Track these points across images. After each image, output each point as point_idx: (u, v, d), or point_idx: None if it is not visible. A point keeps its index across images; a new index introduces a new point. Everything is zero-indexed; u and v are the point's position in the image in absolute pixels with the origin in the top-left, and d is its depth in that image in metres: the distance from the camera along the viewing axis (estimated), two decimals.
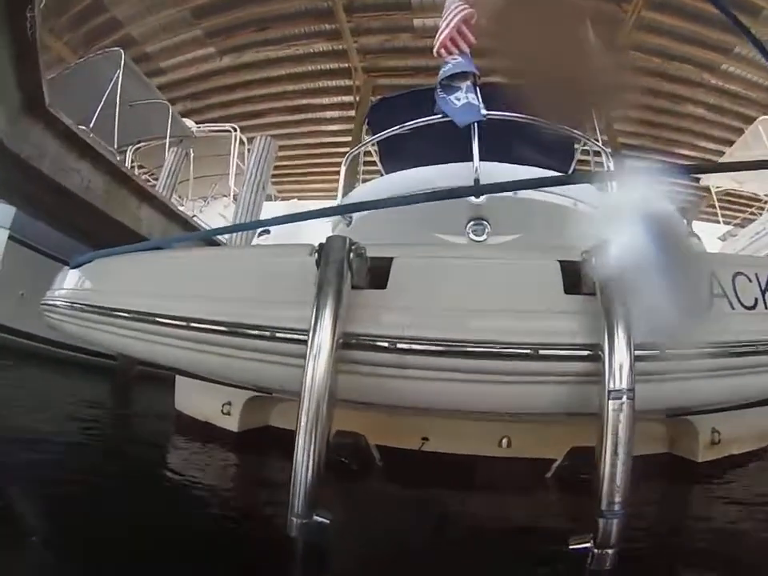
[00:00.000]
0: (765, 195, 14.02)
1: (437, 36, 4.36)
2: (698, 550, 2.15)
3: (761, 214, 13.64)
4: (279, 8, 14.14)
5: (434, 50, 4.39)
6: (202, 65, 15.44)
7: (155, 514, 2.16)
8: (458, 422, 2.80)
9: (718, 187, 14.66)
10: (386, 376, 2.06)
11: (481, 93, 4.17)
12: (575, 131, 4.89)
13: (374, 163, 6.18)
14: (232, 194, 12.04)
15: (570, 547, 1.73)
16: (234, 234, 8.92)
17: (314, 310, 1.81)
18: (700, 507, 2.81)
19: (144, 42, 14.38)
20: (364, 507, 2.52)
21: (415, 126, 4.38)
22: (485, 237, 3.87)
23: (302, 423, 1.72)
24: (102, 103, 9.10)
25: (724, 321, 2.10)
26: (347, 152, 5.72)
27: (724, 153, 14.15)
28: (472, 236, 3.88)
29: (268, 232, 4.79)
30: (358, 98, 15.26)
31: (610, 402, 1.69)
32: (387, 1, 14.07)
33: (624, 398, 1.68)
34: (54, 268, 3.26)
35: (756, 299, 2.21)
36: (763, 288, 2.23)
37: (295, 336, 2.00)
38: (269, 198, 11.94)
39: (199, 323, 2.26)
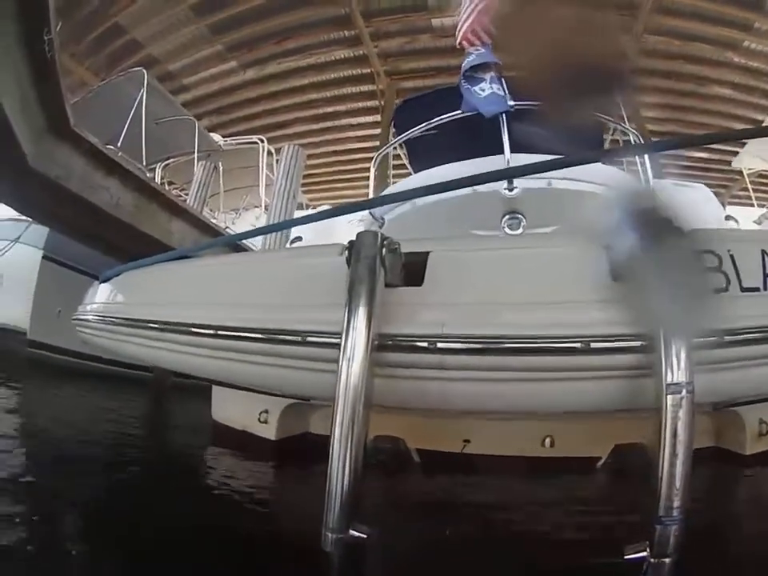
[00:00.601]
0: None
1: (458, 28, 4.39)
2: (754, 553, 2.01)
3: None
4: (297, 18, 14.29)
5: (457, 42, 4.41)
6: (226, 79, 15.67)
7: (191, 526, 2.16)
8: (499, 422, 2.69)
9: (750, 169, 14.27)
10: (425, 378, 1.97)
11: (506, 85, 4.12)
12: (604, 117, 4.69)
13: (403, 166, 6.20)
14: (263, 204, 12.02)
15: (626, 557, 1.61)
16: (266, 241, 9.01)
17: (346, 310, 1.73)
18: (753, 505, 2.69)
19: (166, 61, 14.68)
20: (402, 513, 2.44)
21: (440, 122, 4.32)
22: (520, 230, 3.82)
23: (337, 431, 1.67)
24: (128, 122, 9.17)
25: None
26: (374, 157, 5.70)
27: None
28: (507, 230, 3.83)
29: (300, 239, 4.78)
30: (382, 102, 15.40)
31: (669, 396, 1.58)
32: (404, 3, 14.14)
33: (684, 392, 1.57)
34: (89, 284, 3.31)
35: None
36: None
37: (328, 340, 1.91)
38: (300, 207, 11.78)
39: (230, 331, 2.22)
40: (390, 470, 2.71)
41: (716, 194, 15.51)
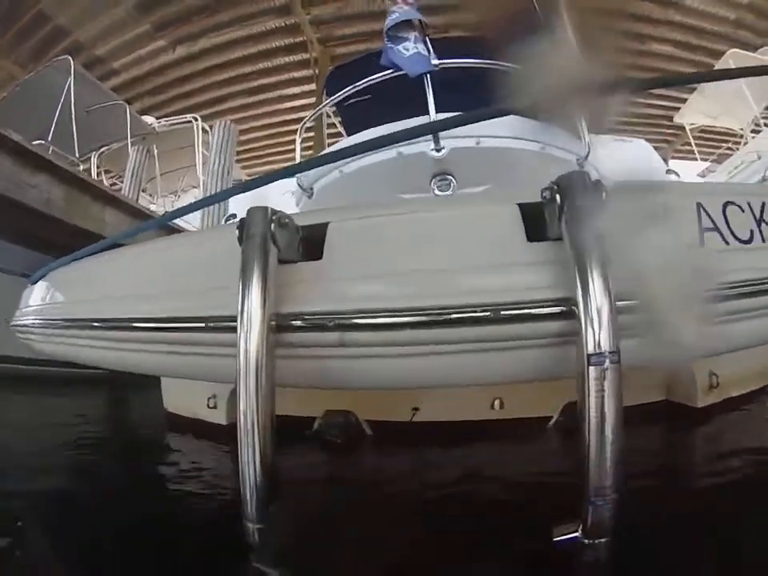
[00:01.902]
0: (740, 129, 14.23)
1: None
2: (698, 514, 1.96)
3: (737, 149, 13.89)
4: None
5: None
6: (156, 59, 15.48)
7: (142, 514, 2.24)
8: (446, 388, 2.56)
9: (692, 124, 14.88)
10: (330, 357, 1.89)
11: (432, 45, 4.05)
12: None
13: (339, 135, 6.31)
14: (201, 184, 11.88)
15: (555, 539, 1.57)
16: (204, 221, 9.21)
17: (240, 292, 1.70)
18: (705, 461, 2.67)
19: (93, 46, 14.45)
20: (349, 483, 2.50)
21: (371, 86, 4.28)
22: (450, 192, 3.77)
23: (242, 418, 1.66)
24: (57, 114, 9.17)
25: (717, 259, 1.90)
26: (311, 128, 5.78)
27: (695, 89, 14.31)
28: (437, 192, 3.78)
29: (235, 216, 4.78)
30: (316, 71, 15.36)
31: (591, 368, 1.48)
32: None
33: (607, 363, 1.47)
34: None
35: (752, 231, 2.00)
36: (758, 218, 2.03)
37: (228, 324, 1.81)
38: (238, 182, 11.86)
39: (140, 323, 2.20)
40: (341, 445, 2.77)
41: (658, 148, 16.07)
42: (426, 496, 2.32)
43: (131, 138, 11.21)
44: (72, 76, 9.69)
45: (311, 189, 4.29)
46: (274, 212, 1.87)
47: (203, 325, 1.98)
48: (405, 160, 3.66)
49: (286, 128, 18.53)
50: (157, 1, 14.08)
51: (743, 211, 2.01)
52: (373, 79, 4.12)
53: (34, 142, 6.18)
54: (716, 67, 12.98)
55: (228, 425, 3.08)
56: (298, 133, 5.06)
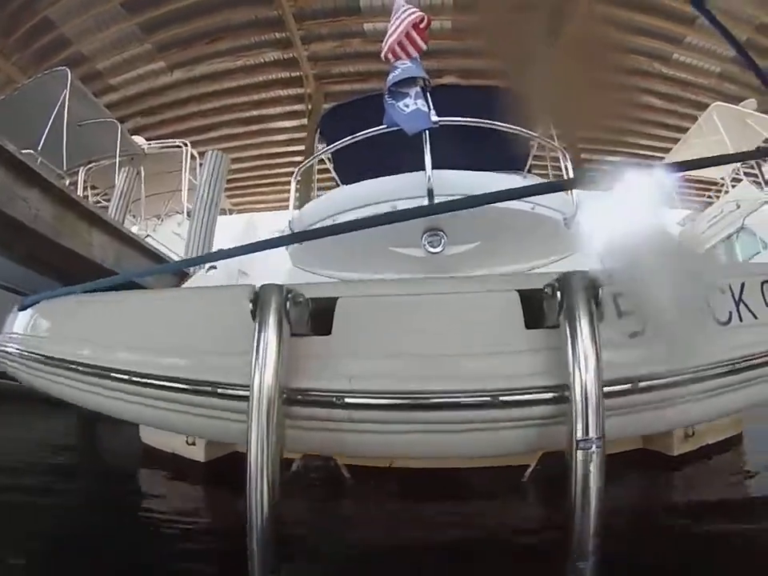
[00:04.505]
0: (721, 179, 14.57)
1: (385, 40, 4.40)
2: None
3: (718, 197, 14.23)
4: (229, 19, 14.54)
5: (382, 54, 4.40)
6: (154, 80, 15.81)
7: (120, 552, 2.15)
8: None
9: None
10: (336, 430, 1.97)
11: (431, 96, 4.12)
12: (530, 132, 4.82)
13: (328, 170, 6.32)
14: (185, 210, 12.11)
15: None
16: (188, 250, 9.38)
17: (254, 367, 1.74)
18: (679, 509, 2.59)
19: (94, 59, 14.75)
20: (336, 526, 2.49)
21: (367, 135, 4.38)
22: (441, 248, 3.87)
23: (251, 486, 1.69)
24: (49, 125, 9.30)
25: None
26: (301, 161, 5.85)
27: (679, 139, 14.77)
28: (428, 248, 3.88)
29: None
30: (310, 106, 15.72)
31: (579, 451, 1.60)
32: (337, 6, 14.51)
33: (593, 447, 1.59)
34: (7, 299, 3.36)
35: (730, 313, 2.14)
36: (737, 299, 2.17)
37: (239, 392, 1.91)
38: (223, 212, 11.99)
39: (139, 377, 2.20)
40: (321, 490, 2.71)
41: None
42: (400, 543, 2.30)
43: (120, 156, 11.32)
44: (68, 88, 9.81)
45: None
46: (289, 290, 1.90)
47: (209, 389, 2.04)
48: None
49: (274, 160, 19.03)
50: (162, 22, 14.42)
51: (723, 293, 2.16)
52: (369, 133, 4.22)
53: (23, 151, 6.29)
54: (699, 119, 13.56)
55: (206, 462, 3.06)
56: (294, 177, 5.26)
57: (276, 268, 4.62)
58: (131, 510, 2.70)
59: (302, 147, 15.50)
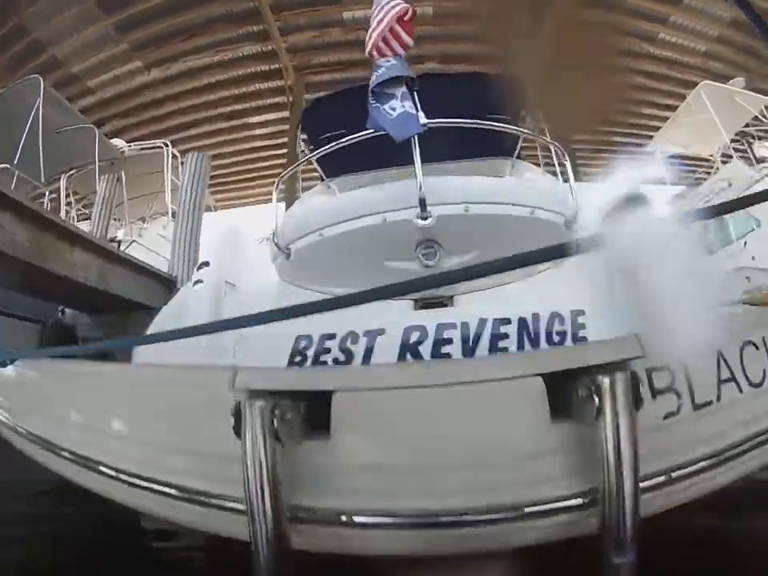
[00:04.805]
0: (709, 155, 14.59)
1: (368, 35, 4.12)
2: None
3: (708, 176, 14.25)
4: (204, 14, 14.35)
5: (366, 52, 4.10)
6: (131, 80, 15.54)
7: None
8: None
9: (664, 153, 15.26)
10: (345, 545, 1.75)
11: (418, 99, 3.84)
12: (520, 129, 4.73)
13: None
14: (170, 212, 12.09)
15: None
16: (176, 269, 9.33)
17: (246, 489, 1.55)
18: None
19: (69, 63, 14.48)
20: None
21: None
22: (437, 259, 3.66)
23: None
24: (24, 136, 9.19)
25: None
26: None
27: (667, 118, 14.81)
28: (423, 260, 3.67)
29: (207, 264, 4.51)
30: (290, 98, 15.48)
31: (610, 564, 1.46)
32: None
33: (625, 561, 1.45)
34: None
35: (765, 371, 1.89)
36: None
37: (234, 505, 1.67)
38: (208, 209, 11.86)
39: (115, 471, 1.97)
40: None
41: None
42: None
43: (99, 162, 11.15)
44: (41, 96, 9.67)
45: (288, 249, 4.08)
46: (276, 403, 1.60)
47: (201, 498, 1.78)
48: (389, 227, 3.56)
49: (257, 154, 18.77)
50: (136, 21, 14.19)
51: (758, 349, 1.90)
52: (356, 137, 3.98)
53: None
54: (688, 98, 13.46)
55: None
56: (275, 188, 4.96)
57: (264, 281, 4.44)
58: None
59: (285, 140, 15.28)
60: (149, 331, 4.29)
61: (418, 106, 3.75)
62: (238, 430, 1.59)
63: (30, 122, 9.41)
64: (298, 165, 5.31)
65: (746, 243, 11.18)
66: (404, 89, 3.80)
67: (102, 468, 1.99)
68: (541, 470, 1.62)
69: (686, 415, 1.70)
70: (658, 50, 14.80)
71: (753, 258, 10.45)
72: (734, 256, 10.89)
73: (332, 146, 4.19)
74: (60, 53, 14.21)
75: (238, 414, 1.61)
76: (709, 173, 14.55)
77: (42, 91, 9.74)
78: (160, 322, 4.34)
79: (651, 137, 15.65)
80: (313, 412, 1.70)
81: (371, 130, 3.81)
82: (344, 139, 4.08)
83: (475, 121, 4.00)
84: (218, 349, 3.52)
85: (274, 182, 5.12)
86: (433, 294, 3.73)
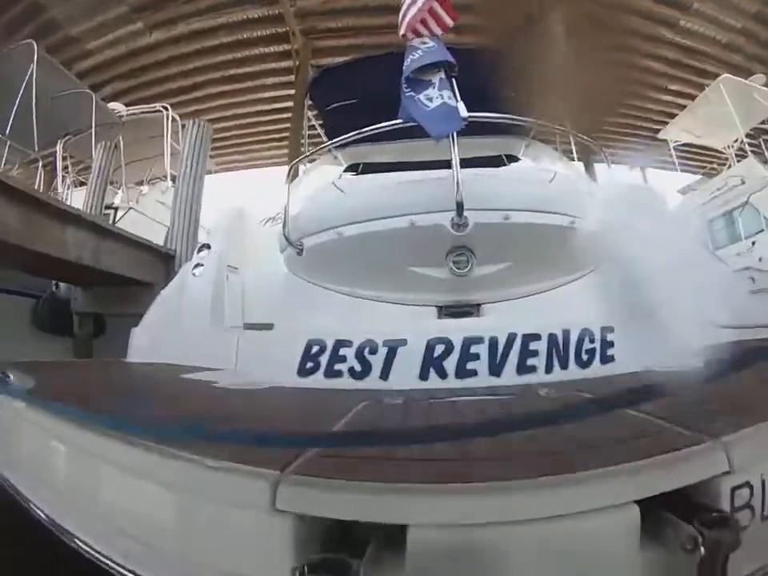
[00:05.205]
0: (723, 148, 14.52)
1: (401, 14, 3.86)
2: None
3: (721, 169, 14.19)
4: None
5: (400, 33, 3.88)
6: (132, 42, 14.95)
7: None
8: None
9: (675, 141, 15.17)
10: None
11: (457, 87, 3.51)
12: (555, 126, 4.50)
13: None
14: (169, 177, 11.96)
15: None
16: (175, 241, 9.08)
17: None
18: None
19: (68, 25, 13.87)
20: None
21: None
22: (469, 268, 3.46)
23: None
24: (17, 103, 8.97)
25: None
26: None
27: (684, 106, 14.78)
28: (454, 268, 3.46)
29: (208, 247, 4.31)
30: (297, 63, 14.98)
31: None
32: None
33: None
34: None
35: None
36: None
37: None
38: (207, 173, 11.11)
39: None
40: None
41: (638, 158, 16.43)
42: None
43: (97, 126, 10.91)
44: (35, 62, 9.38)
45: (301, 243, 3.81)
46: None
47: None
48: (419, 232, 3.32)
49: (260, 118, 18.29)
50: None
51: None
52: (383, 126, 3.57)
53: None
54: (707, 90, 13.35)
55: None
56: (287, 176, 4.37)
57: (270, 269, 4.22)
58: None
59: (288, 104, 14.93)
60: (147, 315, 4.19)
61: (458, 96, 3.42)
62: None
63: (22, 89, 9.12)
64: (314, 152, 5.02)
65: (754, 243, 11.07)
66: (442, 75, 3.51)
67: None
68: None
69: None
70: (678, 36, 14.38)
71: (759, 260, 10.38)
72: (741, 255, 10.77)
73: (354, 135, 3.78)
74: (59, 15, 13.71)
75: None
76: (722, 166, 14.52)
77: (35, 56, 9.42)
78: (159, 307, 4.22)
79: (664, 122, 15.61)
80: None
81: (397, 121, 3.50)
82: (365, 130, 3.69)
83: (511, 116, 3.79)
84: (220, 350, 3.38)
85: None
86: (460, 301, 3.58)
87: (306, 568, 1.08)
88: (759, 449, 1.35)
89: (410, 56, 3.58)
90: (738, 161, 13.22)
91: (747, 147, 13.01)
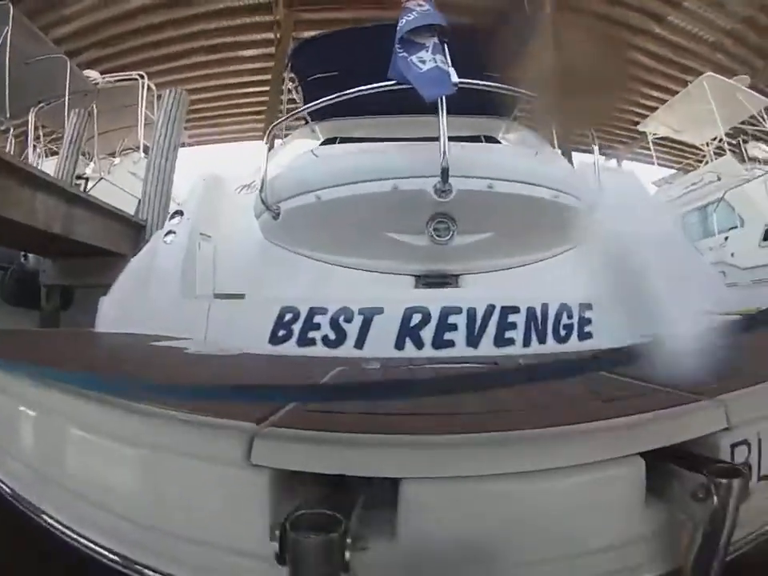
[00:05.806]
0: (701, 144, 14.65)
1: None
2: None
3: (698, 165, 14.34)
4: None
5: None
6: (110, 8, 14.50)
7: None
8: None
9: (654, 134, 15.31)
10: None
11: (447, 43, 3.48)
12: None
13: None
14: (142, 147, 11.80)
15: None
16: (147, 212, 8.96)
17: None
18: None
19: None
20: None
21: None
22: (449, 237, 3.39)
23: None
24: None
25: None
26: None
27: (665, 100, 14.89)
28: (434, 236, 3.39)
29: (181, 214, 4.20)
30: (278, 35, 14.77)
31: None
32: None
33: None
34: None
35: None
36: None
37: None
38: (181, 145, 10.91)
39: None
40: None
41: (613, 149, 16.55)
42: None
43: (70, 94, 10.68)
44: (10, 25, 9.12)
45: (278, 207, 3.68)
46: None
47: None
48: (400, 196, 3.25)
49: (239, 90, 18.07)
50: None
51: None
52: (371, 88, 3.46)
53: None
54: (689, 86, 13.47)
55: None
56: (265, 138, 4.20)
57: (244, 236, 4.09)
58: None
59: (268, 77, 14.54)
60: (117, 283, 4.10)
61: (449, 61, 3.36)
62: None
63: None
64: (292, 114, 4.71)
65: (727, 239, 11.18)
66: (436, 39, 3.45)
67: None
68: (629, 559, 1.26)
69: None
70: (665, 31, 14.44)
71: (732, 255, 10.48)
72: (714, 250, 10.88)
73: (336, 97, 3.61)
74: None
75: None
76: (699, 162, 14.73)
77: (11, 18, 9.16)
78: (129, 275, 4.13)
79: (644, 115, 15.76)
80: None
81: (383, 83, 3.40)
82: (350, 91, 3.55)
83: (503, 85, 3.66)
84: (189, 320, 3.31)
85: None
86: (438, 270, 3.55)
87: (287, 525, 1.01)
88: (756, 408, 1.41)
89: (406, 17, 3.52)
90: (716, 158, 13.32)
91: (726, 146, 13.16)
